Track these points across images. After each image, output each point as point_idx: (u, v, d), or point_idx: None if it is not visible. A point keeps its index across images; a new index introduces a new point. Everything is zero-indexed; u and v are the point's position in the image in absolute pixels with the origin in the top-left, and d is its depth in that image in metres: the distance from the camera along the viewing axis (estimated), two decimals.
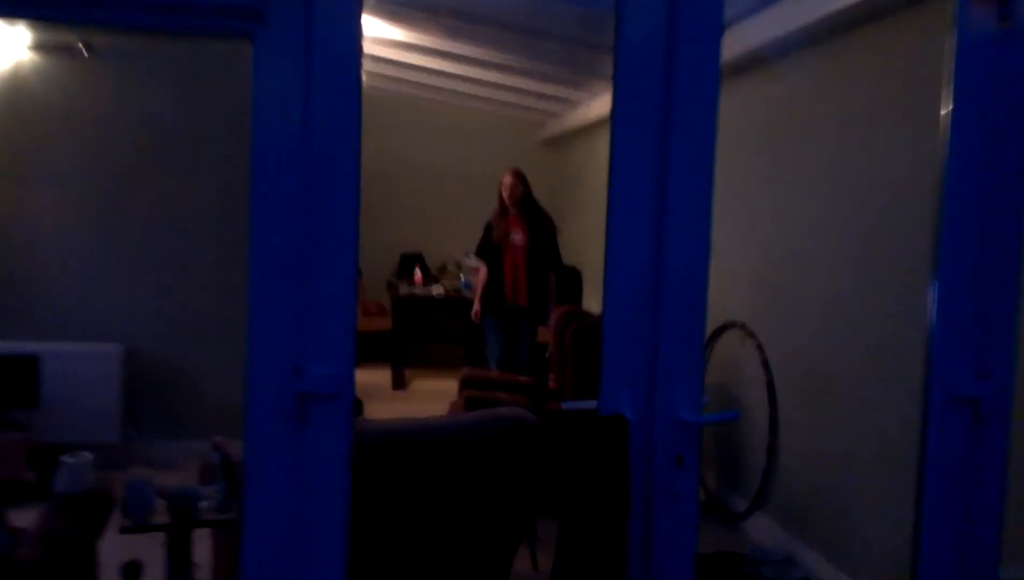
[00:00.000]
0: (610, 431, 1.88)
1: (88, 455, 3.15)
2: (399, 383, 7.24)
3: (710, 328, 4.11)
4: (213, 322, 4.94)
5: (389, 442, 2.52)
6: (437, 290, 7.60)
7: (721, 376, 4.60)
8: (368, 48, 6.99)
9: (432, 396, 6.97)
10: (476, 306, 6.05)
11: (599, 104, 6.37)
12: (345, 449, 1.81)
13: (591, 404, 1.94)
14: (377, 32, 5.91)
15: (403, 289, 7.60)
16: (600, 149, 6.97)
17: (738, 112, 4.39)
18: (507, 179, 5.84)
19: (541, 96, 6.89)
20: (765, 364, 4.19)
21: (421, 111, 8.57)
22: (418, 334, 8.58)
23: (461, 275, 7.83)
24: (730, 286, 4.50)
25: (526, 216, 5.79)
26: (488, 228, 5.98)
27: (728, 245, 4.49)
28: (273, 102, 1.75)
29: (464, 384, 4.53)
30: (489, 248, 5.90)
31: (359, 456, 1.84)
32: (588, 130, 7.30)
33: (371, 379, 7.48)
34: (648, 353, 1.92)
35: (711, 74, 1.89)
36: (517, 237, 5.82)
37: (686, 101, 1.88)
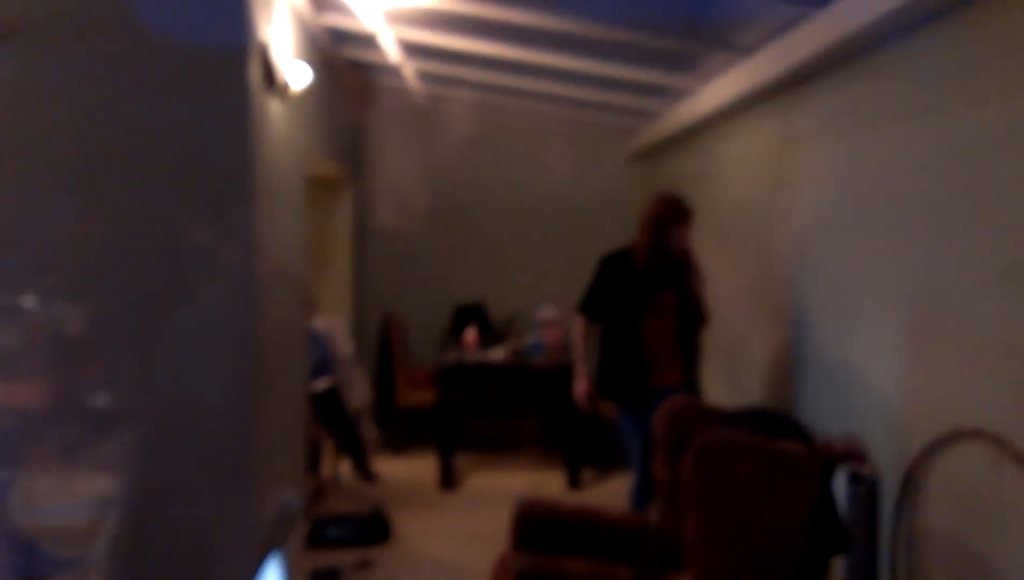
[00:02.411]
0: None
1: None
2: (447, 481, 5.42)
3: (922, 434, 2.74)
4: None
5: None
6: (496, 355, 5.75)
7: (951, 516, 2.64)
8: (419, 62, 5.43)
9: (490, 502, 5.14)
10: (583, 385, 4.24)
11: (714, 93, 4.49)
12: None
13: None
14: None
15: (449, 355, 5.78)
16: (721, 150, 5.11)
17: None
18: (685, 229, 4.05)
19: (631, 87, 5.05)
20: None
21: (479, 120, 6.85)
22: (474, 410, 6.77)
23: (533, 335, 5.97)
24: (963, 366, 2.55)
25: (680, 264, 4.05)
26: (605, 267, 4.20)
27: (957, 294, 2.57)
28: None
29: (519, 541, 2.61)
30: (607, 300, 4.09)
31: None
32: (695, 131, 5.43)
33: (415, 472, 5.77)
34: None
35: None
36: (668, 294, 4.04)
37: None
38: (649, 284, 4.00)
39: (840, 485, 3.04)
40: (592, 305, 4.16)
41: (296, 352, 4.28)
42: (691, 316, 4.03)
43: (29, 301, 3.17)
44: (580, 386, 4.24)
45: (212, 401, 3.19)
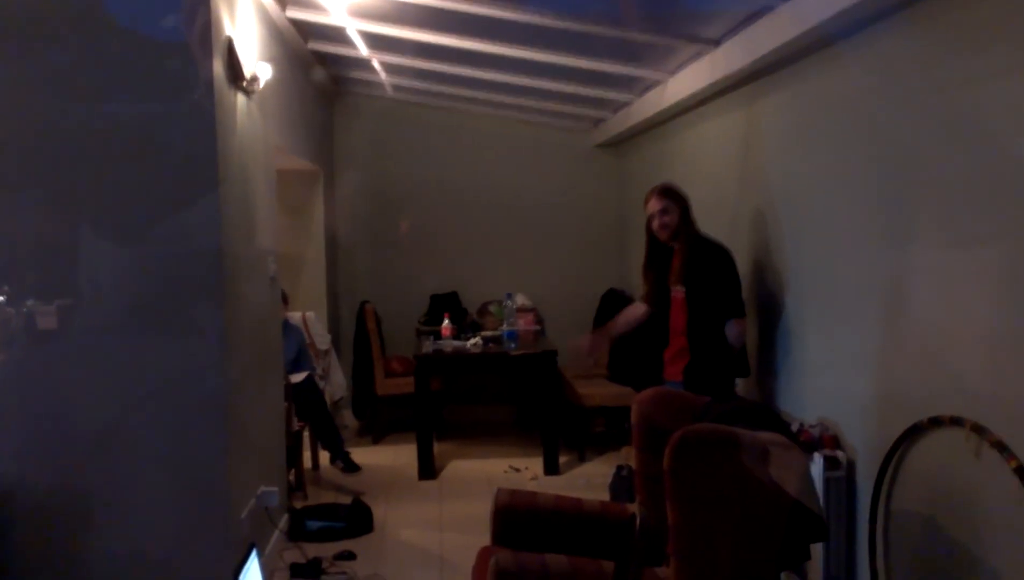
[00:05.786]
0: None
1: None
2: (427, 469, 5.44)
3: (900, 422, 2.75)
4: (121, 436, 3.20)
5: None
6: (473, 343, 5.78)
7: (928, 503, 2.71)
8: (388, 56, 5.38)
9: (470, 489, 5.20)
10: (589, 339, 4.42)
11: (680, 84, 4.52)
12: None
13: None
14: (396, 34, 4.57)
15: (426, 345, 5.79)
16: (688, 140, 5.15)
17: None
18: (653, 203, 3.93)
19: (598, 79, 5.06)
20: (1022, 474, 2.28)
21: (448, 113, 6.86)
22: (452, 397, 6.83)
23: (504, 325, 5.97)
24: (941, 355, 2.62)
25: (688, 254, 3.90)
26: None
27: (936, 288, 2.62)
28: None
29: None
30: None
31: None
32: (662, 121, 5.47)
33: (395, 461, 5.82)
34: None
35: None
36: (679, 285, 3.94)
37: None
38: (666, 276, 4.01)
39: (816, 470, 3.11)
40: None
41: (271, 344, 4.27)
42: (706, 309, 3.80)
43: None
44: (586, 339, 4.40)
45: (185, 395, 3.18)
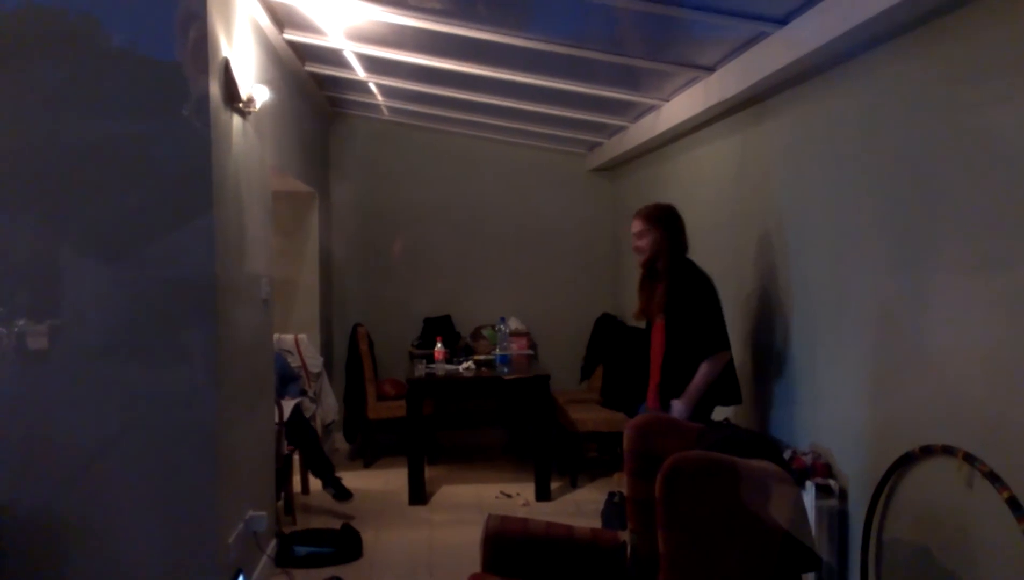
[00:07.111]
0: None
1: None
2: (417, 495, 5.40)
3: (896, 450, 2.74)
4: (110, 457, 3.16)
5: None
6: (466, 367, 5.76)
7: (920, 532, 2.68)
8: (384, 79, 5.40)
9: (461, 515, 5.16)
10: None
11: (675, 109, 4.54)
12: None
13: None
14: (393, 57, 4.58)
15: (419, 368, 5.77)
16: (683, 165, 5.16)
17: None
18: (632, 225, 3.92)
19: (594, 104, 5.08)
20: (1014, 504, 2.27)
21: (443, 137, 6.89)
22: (445, 421, 6.81)
23: (497, 349, 5.96)
24: (939, 382, 2.60)
25: (667, 283, 3.82)
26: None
27: (935, 315, 2.61)
28: None
29: None
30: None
31: None
32: (657, 147, 5.48)
33: (386, 485, 5.78)
34: None
35: None
36: (659, 318, 3.90)
37: None
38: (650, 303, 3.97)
39: (808, 498, 3.08)
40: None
41: (262, 367, 4.24)
42: (682, 340, 3.72)
43: None
44: None
45: (174, 419, 3.15)
